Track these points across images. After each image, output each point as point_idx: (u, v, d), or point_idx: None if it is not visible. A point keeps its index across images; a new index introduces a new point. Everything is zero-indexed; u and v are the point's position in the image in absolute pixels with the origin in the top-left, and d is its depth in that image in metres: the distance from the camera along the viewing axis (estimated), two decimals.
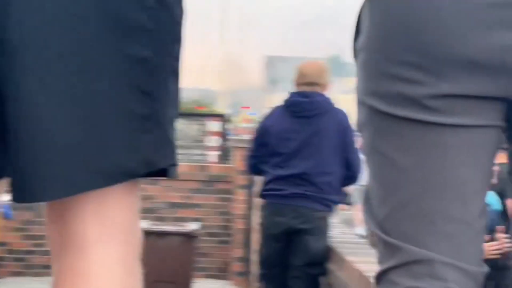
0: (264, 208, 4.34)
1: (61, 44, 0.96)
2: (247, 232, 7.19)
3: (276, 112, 4.33)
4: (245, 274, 7.35)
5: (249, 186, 7.16)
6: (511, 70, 1.18)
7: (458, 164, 1.24)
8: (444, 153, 1.24)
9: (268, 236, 4.25)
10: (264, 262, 4.31)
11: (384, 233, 1.28)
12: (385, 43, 1.24)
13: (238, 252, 7.40)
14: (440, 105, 1.21)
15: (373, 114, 1.28)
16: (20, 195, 1.00)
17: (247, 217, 7.26)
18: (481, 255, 1.28)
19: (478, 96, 1.20)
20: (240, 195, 7.39)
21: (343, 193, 4.65)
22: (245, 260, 7.34)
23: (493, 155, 1.27)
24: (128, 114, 1.01)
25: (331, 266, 4.09)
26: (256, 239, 5.61)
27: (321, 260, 4.11)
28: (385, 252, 1.29)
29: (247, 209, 7.27)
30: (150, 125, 1.03)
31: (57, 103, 0.97)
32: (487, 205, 1.31)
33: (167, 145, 1.06)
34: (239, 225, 7.39)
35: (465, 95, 1.20)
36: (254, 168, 4.43)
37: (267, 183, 4.26)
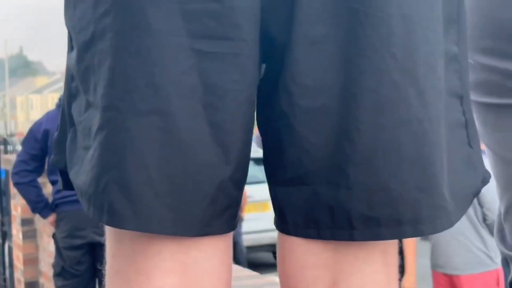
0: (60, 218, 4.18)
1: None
2: None
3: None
4: None
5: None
6: None
7: None
8: None
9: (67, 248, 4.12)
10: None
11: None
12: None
13: None
14: None
15: (477, 109, 1.18)
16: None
17: None
18: None
19: None
20: None
21: None
22: None
23: None
24: (455, 124, 0.89)
25: None
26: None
27: None
28: None
29: None
30: (470, 135, 0.91)
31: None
32: None
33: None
34: None
35: None
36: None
37: (58, 191, 4.07)
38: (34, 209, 4.48)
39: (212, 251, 0.86)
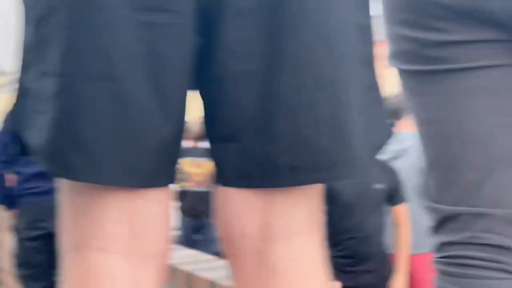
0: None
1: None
2: None
3: None
4: None
5: None
6: (491, 16, 1.17)
7: (481, 110, 1.21)
8: (468, 102, 1.21)
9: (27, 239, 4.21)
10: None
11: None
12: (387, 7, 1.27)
13: None
14: (443, 53, 1.20)
15: (401, 76, 1.30)
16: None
17: None
18: None
19: (480, 41, 1.19)
20: None
21: None
22: None
23: None
24: (366, 87, 1.01)
25: None
26: None
27: None
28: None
29: None
30: (376, 96, 1.03)
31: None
32: None
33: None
34: None
35: (464, 41, 1.20)
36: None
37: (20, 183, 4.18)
38: (3, 201, 4.55)
39: (157, 201, 0.97)
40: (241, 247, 1.00)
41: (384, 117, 1.05)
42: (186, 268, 2.82)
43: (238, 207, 1.00)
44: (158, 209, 0.97)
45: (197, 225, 7.56)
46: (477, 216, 1.21)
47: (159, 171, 0.95)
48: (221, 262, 2.95)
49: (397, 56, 1.28)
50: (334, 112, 0.95)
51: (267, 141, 0.95)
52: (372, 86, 1.04)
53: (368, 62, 1.03)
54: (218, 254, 3.55)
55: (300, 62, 0.93)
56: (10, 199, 4.41)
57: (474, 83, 1.20)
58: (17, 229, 4.33)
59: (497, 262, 1.19)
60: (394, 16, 1.25)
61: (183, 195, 7.11)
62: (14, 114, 1.01)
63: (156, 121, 0.93)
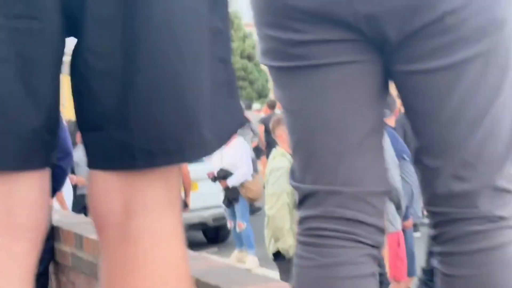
0: None
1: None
2: None
3: None
4: None
5: None
6: (339, 18, 1.32)
7: (335, 101, 1.36)
8: (322, 94, 1.37)
9: None
10: None
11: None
12: (254, 11, 1.43)
13: None
14: (307, 51, 1.35)
15: (270, 72, 1.46)
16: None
17: None
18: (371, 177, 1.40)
19: (334, 40, 1.34)
20: None
21: None
22: None
23: (370, 91, 1.37)
24: (220, 82, 1.17)
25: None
26: None
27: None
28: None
29: None
30: (231, 90, 1.19)
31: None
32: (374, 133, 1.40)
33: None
34: None
35: (321, 40, 1.34)
36: None
37: None
38: None
39: (30, 183, 1.12)
40: (106, 221, 1.16)
41: (239, 109, 1.20)
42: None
43: (104, 187, 1.15)
44: (31, 190, 1.12)
45: None
46: (332, 193, 1.37)
47: (30, 156, 1.10)
48: None
49: (265, 54, 1.43)
50: (182, 102, 1.10)
51: (125, 129, 1.10)
52: (228, 82, 1.19)
53: (224, 61, 1.18)
54: None
55: (151, 61, 1.09)
56: None
57: (329, 78, 1.35)
58: None
59: (348, 233, 1.36)
60: (260, 18, 1.40)
61: None
62: None
63: (27, 114, 1.08)
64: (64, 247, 4.10)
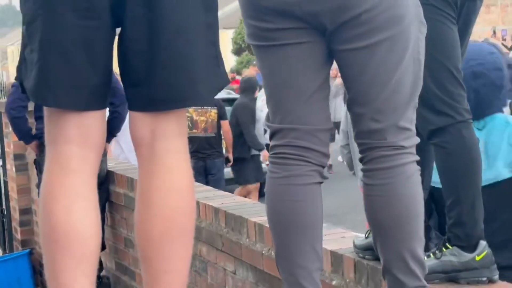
0: None
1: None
2: None
3: None
4: None
5: None
6: (293, 14, 1.97)
7: (293, 68, 2.01)
8: (284, 64, 2.02)
9: None
10: None
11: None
12: (241, 7, 2.09)
13: None
14: (274, 35, 2.01)
15: (253, 49, 2.10)
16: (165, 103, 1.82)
17: None
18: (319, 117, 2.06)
19: (291, 28, 2.00)
20: None
21: None
22: None
23: (317, 61, 2.03)
24: (210, 56, 1.86)
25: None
26: None
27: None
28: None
29: None
30: (218, 62, 1.88)
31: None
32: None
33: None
34: None
35: (282, 28, 2.00)
36: None
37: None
38: (24, 138, 5.55)
39: (94, 117, 1.82)
40: (141, 142, 1.87)
41: (223, 74, 1.90)
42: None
43: (139, 121, 1.86)
44: (95, 121, 1.83)
45: (206, 166, 8.37)
46: (291, 130, 2.04)
47: (93, 101, 1.81)
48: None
49: (248, 36, 2.09)
50: (187, 70, 1.80)
51: (150, 86, 1.80)
52: (216, 56, 1.87)
53: (214, 43, 1.87)
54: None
55: (167, 44, 1.78)
56: (27, 137, 5.39)
57: (289, 52, 2.01)
58: (38, 163, 5.26)
59: (302, 156, 2.03)
60: (245, 13, 2.06)
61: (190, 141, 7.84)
62: (19, 72, 1.88)
63: (89, 75, 1.78)
64: (117, 189, 4.87)
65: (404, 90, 1.99)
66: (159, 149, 1.84)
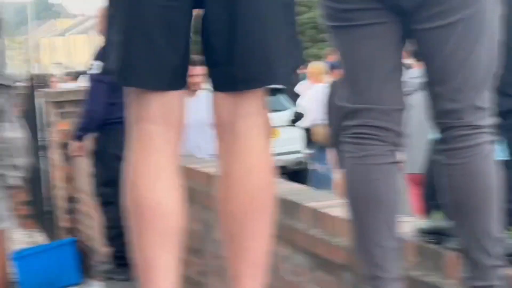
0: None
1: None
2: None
3: None
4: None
5: None
6: None
7: (368, 48, 2.04)
8: (360, 44, 2.04)
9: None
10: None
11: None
12: None
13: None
14: (350, 15, 2.03)
15: (328, 29, 2.12)
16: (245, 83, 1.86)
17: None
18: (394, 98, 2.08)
19: (367, 8, 2.02)
20: None
21: None
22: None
23: (391, 42, 2.05)
24: (290, 35, 1.90)
25: None
26: None
27: None
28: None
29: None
30: (296, 43, 1.92)
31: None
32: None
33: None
34: None
35: (359, 8, 2.02)
36: None
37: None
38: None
39: (175, 96, 1.86)
40: (222, 121, 1.90)
41: (300, 54, 1.92)
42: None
43: (221, 100, 1.89)
44: (176, 100, 1.86)
45: None
46: (367, 110, 2.06)
47: (174, 81, 1.84)
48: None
49: (325, 17, 2.12)
50: (265, 51, 1.83)
51: (231, 66, 1.83)
52: (293, 36, 1.90)
53: (291, 23, 1.89)
54: None
55: (246, 25, 1.81)
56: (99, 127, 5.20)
57: (364, 32, 2.03)
58: (101, 153, 5.19)
59: (377, 135, 2.05)
60: None
61: None
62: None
63: (170, 57, 1.82)
64: None
65: (481, 69, 2.00)
66: (240, 129, 1.88)
